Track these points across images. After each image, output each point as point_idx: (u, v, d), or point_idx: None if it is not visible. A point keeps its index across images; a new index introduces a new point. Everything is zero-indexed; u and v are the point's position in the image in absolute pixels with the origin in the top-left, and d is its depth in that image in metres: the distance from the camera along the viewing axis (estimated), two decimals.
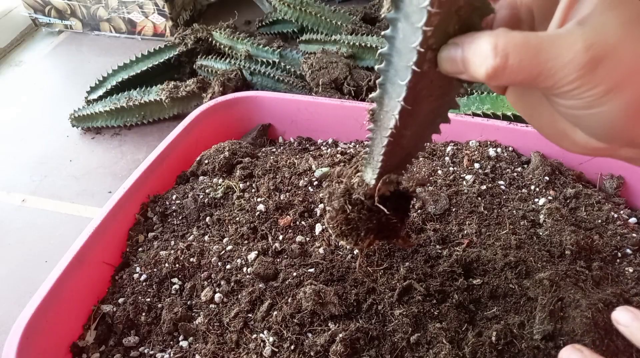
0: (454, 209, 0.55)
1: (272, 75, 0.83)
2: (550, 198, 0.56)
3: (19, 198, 0.75)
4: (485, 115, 0.69)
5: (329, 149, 0.68)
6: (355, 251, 0.51)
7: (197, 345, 0.47)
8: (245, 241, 0.54)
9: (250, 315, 0.48)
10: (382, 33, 0.25)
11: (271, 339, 0.45)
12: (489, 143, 0.63)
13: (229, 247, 0.54)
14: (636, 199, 0.60)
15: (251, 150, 0.67)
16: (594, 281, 0.48)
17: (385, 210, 0.33)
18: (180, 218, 0.59)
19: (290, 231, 0.54)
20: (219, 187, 0.60)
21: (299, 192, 0.58)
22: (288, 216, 0.55)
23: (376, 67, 0.27)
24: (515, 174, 0.60)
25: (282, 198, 0.58)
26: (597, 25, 0.23)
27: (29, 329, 0.46)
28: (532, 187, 0.58)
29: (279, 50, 0.87)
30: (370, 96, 0.29)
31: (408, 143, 0.30)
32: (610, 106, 0.23)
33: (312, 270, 0.50)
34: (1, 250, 0.68)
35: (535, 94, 0.29)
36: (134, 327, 0.50)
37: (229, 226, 0.56)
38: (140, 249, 0.57)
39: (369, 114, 0.30)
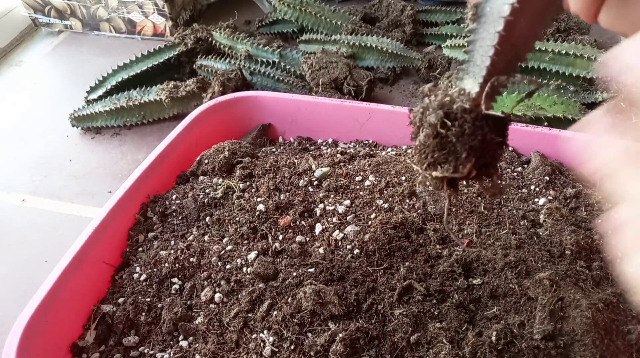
0: (454, 209, 0.55)
1: (272, 75, 0.83)
2: (550, 197, 0.56)
3: (19, 198, 0.75)
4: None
5: (329, 149, 0.68)
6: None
7: (197, 345, 0.47)
8: (245, 241, 0.54)
9: (250, 315, 0.48)
10: None
11: (271, 339, 0.45)
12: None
13: (229, 247, 0.54)
14: None
15: (251, 150, 0.67)
16: (594, 281, 0.48)
17: (499, 113, 0.27)
18: (180, 218, 0.59)
19: (290, 231, 0.54)
20: (219, 187, 0.60)
21: (299, 192, 0.58)
22: (288, 216, 0.55)
23: None
24: (515, 174, 0.60)
25: (282, 197, 0.58)
26: None
27: (29, 329, 0.46)
28: (532, 187, 0.58)
29: (279, 50, 0.87)
30: None
31: (520, 35, 0.27)
32: None
33: (312, 270, 0.50)
34: (1, 250, 0.68)
35: None
36: (134, 326, 0.50)
37: (229, 226, 0.56)
38: (140, 249, 0.57)
39: (471, 12, 0.28)
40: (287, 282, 0.49)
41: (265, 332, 0.46)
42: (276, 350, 0.45)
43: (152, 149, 0.63)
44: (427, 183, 0.30)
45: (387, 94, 0.87)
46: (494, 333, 0.43)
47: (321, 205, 0.56)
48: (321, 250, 0.51)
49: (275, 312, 0.47)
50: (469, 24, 0.28)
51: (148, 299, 0.51)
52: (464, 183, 0.30)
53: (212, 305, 0.49)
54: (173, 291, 0.52)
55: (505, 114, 0.28)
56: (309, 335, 0.45)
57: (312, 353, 0.43)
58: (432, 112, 0.28)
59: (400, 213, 0.54)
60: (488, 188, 0.30)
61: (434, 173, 0.29)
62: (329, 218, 0.55)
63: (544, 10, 0.27)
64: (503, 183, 0.38)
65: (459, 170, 0.28)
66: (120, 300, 0.52)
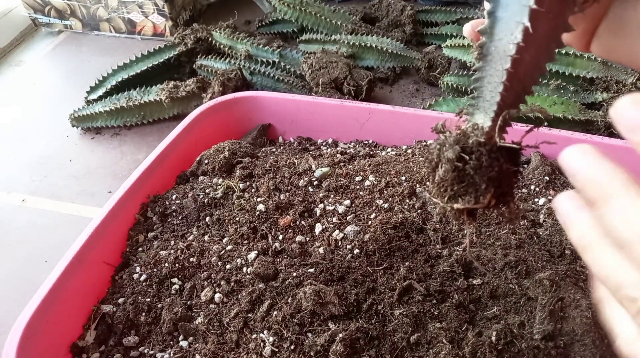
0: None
1: (272, 75, 0.83)
2: (550, 198, 0.56)
3: (19, 198, 0.75)
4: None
5: (329, 149, 0.68)
6: (359, 252, 0.51)
7: (197, 345, 0.47)
8: (245, 241, 0.54)
9: (250, 315, 0.48)
10: None
11: (271, 339, 0.45)
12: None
13: (229, 247, 0.54)
14: None
15: (251, 150, 0.67)
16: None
17: (511, 144, 0.28)
18: (180, 218, 0.59)
19: (290, 231, 0.54)
20: (219, 187, 0.60)
21: (299, 192, 0.58)
22: (288, 216, 0.55)
23: None
24: None
25: (282, 198, 0.58)
26: None
27: (29, 329, 0.46)
28: (532, 187, 0.58)
29: (279, 50, 0.87)
30: (478, 28, 0.28)
31: (525, 72, 0.28)
32: None
33: (312, 270, 0.50)
34: (1, 250, 0.68)
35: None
36: (134, 327, 0.50)
37: (229, 226, 0.56)
38: (140, 249, 0.57)
39: (476, 52, 0.29)
40: (287, 282, 0.49)
41: (265, 332, 0.46)
42: (276, 350, 0.45)
43: (152, 149, 0.63)
44: (448, 215, 0.31)
45: (387, 94, 0.87)
46: (494, 333, 0.43)
47: (321, 205, 0.56)
48: (321, 250, 0.51)
49: (275, 312, 0.47)
50: (475, 63, 0.29)
51: (148, 299, 0.51)
52: (482, 211, 0.31)
53: (212, 305, 0.49)
54: (173, 291, 0.52)
55: (517, 144, 0.30)
56: (309, 335, 0.45)
57: (312, 353, 0.44)
58: (449, 148, 0.29)
59: (400, 213, 0.54)
60: (505, 215, 0.30)
61: (456, 206, 0.29)
62: (329, 218, 0.55)
63: (548, 46, 0.28)
64: (519, 208, 0.39)
65: (480, 201, 0.29)
66: (120, 300, 0.52)
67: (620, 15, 0.30)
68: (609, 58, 0.32)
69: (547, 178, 0.58)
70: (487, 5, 0.28)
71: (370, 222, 0.53)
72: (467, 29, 0.33)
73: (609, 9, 0.30)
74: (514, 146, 0.29)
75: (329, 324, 0.46)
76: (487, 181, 0.28)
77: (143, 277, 0.53)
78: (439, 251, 0.50)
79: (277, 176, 0.61)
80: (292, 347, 0.45)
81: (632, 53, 0.30)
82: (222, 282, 0.51)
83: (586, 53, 0.76)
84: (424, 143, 0.65)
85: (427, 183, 0.30)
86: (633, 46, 0.29)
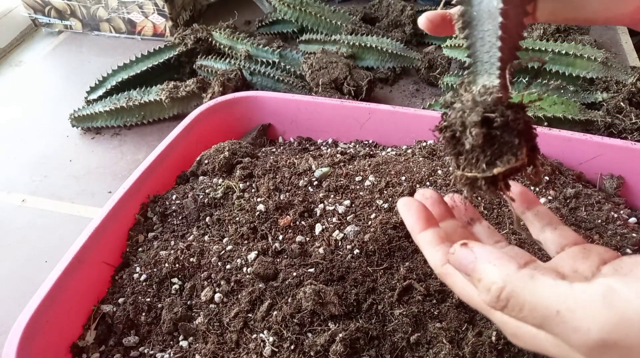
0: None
1: (272, 75, 0.83)
2: (550, 198, 0.56)
3: (19, 198, 0.75)
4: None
5: (329, 149, 0.68)
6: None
7: (197, 345, 0.47)
8: (245, 241, 0.54)
9: (250, 315, 0.48)
10: None
11: (271, 339, 0.45)
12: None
13: (229, 247, 0.54)
14: (636, 199, 0.60)
15: (251, 150, 0.67)
16: None
17: (516, 102, 0.28)
18: (180, 218, 0.59)
19: (290, 231, 0.54)
20: (219, 187, 0.60)
21: (299, 192, 0.58)
22: (288, 216, 0.55)
23: None
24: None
25: (282, 198, 0.58)
26: (628, 306, 0.21)
27: (29, 329, 0.46)
28: (532, 187, 0.58)
29: (279, 50, 0.87)
30: (431, 16, 0.29)
31: (513, 26, 0.28)
32: None
33: (312, 270, 0.50)
34: (1, 250, 0.68)
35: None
36: (134, 327, 0.50)
37: (229, 226, 0.56)
38: (140, 249, 0.57)
39: (459, 22, 0.29)
40: (287, 282, 0.49)
41: (265, 332, 0.46)
42: (276, 350, 0.45)
43: (152, 149, 0.63)
44: (484, 188, 0.29)
45: (387, 94, 0.87)
46: (494, 333, 0.43)
47: (321, 205, 0.56)
48: (321, 250, 0.51)
49: (275, 312, 0.47)
50: (459, 34, 0.29)
51: (148, 299, 0.51)
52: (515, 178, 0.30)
53: (212, 305, 0.49)
54: (173, 292, 0.52)
55: (519, 103, 0.29)
56: (309, 335, 0.45)
57: (312, 353, 0.44)
58: (471, 111, 0.27)
59: None
60: (532, 178, 0.29)
61: (496, 170, 0.27)
62: (329, 218, 0.55)
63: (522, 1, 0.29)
64: (543, 164, 0.38)
65: (519, 157, 0.27)
66: (120, 300, 0.52)
67: None
68: (555, 21, 0.33)
69: (547, 178, 0.58)
70: None
71: (370, 222, 0.53)
72: (422, 20, 0.34)
73: None
74: (519, 102, 0.28)
75: (329, 324, 0.46)
76: (518, 136, 0.27)
77: (143, 277, 0.53)
78: None
79: (277, 176, 0.61)
80: (292, 347, 0.45)
81: (574, 9, 0.31)
82: (222, 282, 0.51)
83: (586, 53, 0.76)
84: (424, 143, 0.65)
85: (452, 164, 0.29)
86: (571, 3, 0.31)
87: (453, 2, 0.29)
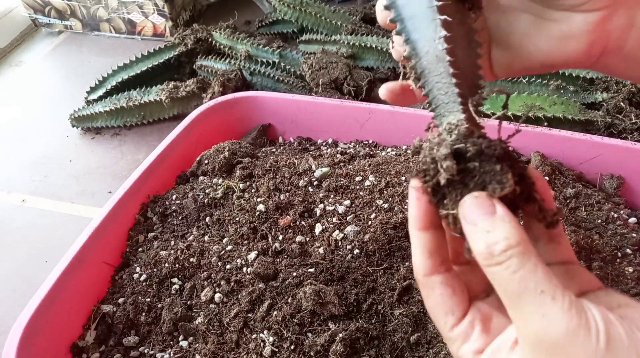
0: None
1: (272, 75, 0.83)
2: None
3: (19, 198, 0.75)
4: (485, 115, 0.69)
5: (329, 149, 0.68)
6: (355, 252, 0.51)
7: (197, 345, 0.47)
8: (245, 241, 0.54)
9: (250, 315, 0.48)
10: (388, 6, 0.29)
11: (271, 339, 0.45)
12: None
13: (229, 247, 0.54)
14: (636, 199, 0.60)
15: (251, 150, 0.67)
16: None
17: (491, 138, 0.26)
18: (180, 218, 0.59)
19: (290, 231, 0.54)
20: (219, 187, 0.60)
21: (299, 192, 0.58)
22: (288, 216, 0.55)
23: (393, 33, 0.30)
24: None
25: (282, 198, 0.58)
26: None
27: (29, 329, 0.46)
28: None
29: (279, 50, 0.87)
30: (405, 56, 0.29)
31: (465, 66, 0.28)
32: None
33: (312, 270, 0.50)
34: (1, 250, 0.68)
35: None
36: (134, 327, 0.50)
37: (229, 226, 0.56)
38: (140, 249, 0.57)
39: (411, 75, 0.29)
40: (287, 282, 0.49)
41: (265, 332, 0.46)
42: (276, 350, 0.45)
43: (152, 149, 0.63)
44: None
45: None
46: None
47: (321, 205, 0.56)
48: (321, 250, 0.51)
49: (275, 312, 0.47)
50: (415, 86, 0.29)
51: (148, 299, 0.51)
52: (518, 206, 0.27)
53: (212, 305, 0.49)
54: (173, 292, 0.52)
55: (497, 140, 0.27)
56: (309, 335, 0.45)
57: (312, 353, 0.44)
58: (439, 146, 0.26)
59: (400, 213, 0.54)
60: (543, 214, 0.26)
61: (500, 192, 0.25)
62: (329, 218, 0.55)
63: (469, 45, 0.29)
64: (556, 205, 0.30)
65: (505, 184, 0.24)
66: (120, 300, 0.52)
67: (499, 30, 0.32)
68: (513, 73, 0.33)
69: (547, 178, 0.58)
70: (397, 39, 0.30)
71: (370, 222, 0.53)
72: (382, 91, 0.35)
73: (490, 32, 0.33)
74: (494, 140, 0.26)
75: (329, 324, 0.46)
76: (498, 162, 0.25)
77: (143, 277, 0.53)
78: None
79: (277, 176, 0.61)
80: (292, 347, 0.45)
81: (527, 56, 0.32)
82: (222, 282, 0.51)
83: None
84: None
85: (440, 211, 0.27)
86: (523, 53, 0.32)
87: (404, 55, 0.29)
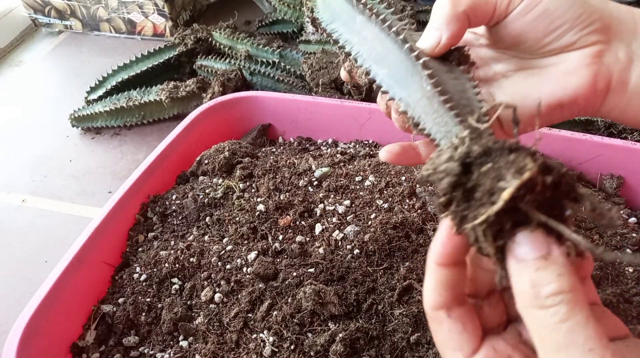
0: None
1: (272, 75, 0.83)
2: None
3: (19, 198, 0.75)
4: None
5: (329, 149, 0.68)
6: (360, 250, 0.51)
7: (197, 345, 0.47)
8: (245, 241, 0.54)
9: (250, 315, 0.48)
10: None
11: (271, 339, 0.45)
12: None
13: (229, 247, 0.54)
14: (636, 199, 0.60)
15: (251, 150, 0.67)
16: (594, 281, 0.48)
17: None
18: (180, 218, 0.59)
19: (290, 231, 0.54)
20: (219, 187, 0.60)
21: (299, 192, 0.58)
22: (288, 216, 0.55)
23: (380, 92, 0.31)
24: None
25: (282, 198, 0.58)
26: None
27: (29, 329, 0.46)
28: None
29: (279, 50, 0.87)
30: (401, 112, 0.30)
31: (461, 97, 0.28)
32: None
33: (312, 270, 0.50)
34: (1, 250, 0.68)
35: None
36: (134, 327, 0.50)
37: (229, 226, 0.56)
38: (140, 249, 0.57)
39: (413, 126, 0.30)
40: (287, 282, 0.49)
41: (265, 332, 0.46)
42: (276, 350, 0.45)
43: (152, 149, 0.63)
44: (505, 231, 0.22)
45: None
46: None
47: (321, 205, 0.56)
48: (321, 250, 0.51)
49: (275, 312, 0.47)
50: (418, 133, 0.30)
51: (148, 299, 0.51)
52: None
53: (212, 305, 0.49)
54: (173, 292, 0.52)
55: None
56: (309, 335, 0.45)
57: (312, 353, 0.44)
58: (440, 156, 0.23)
59: (400, 213, 0.54)
60: (594, 214, 0.22)
61: (505, 194, 0.20)
62: (329, 218, 0.55)
63: (460, 78, 0.30)
64: (606, 207, 0.24)
65: (524, 169, 0.20)
66: (120, 300, 0.52)
67: (500, 91, 0.33)
68: (523, 131, 0.34)
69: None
70: (394, 105, 0.32)
71: (370, 222, 0.53)
72: (383, 154, 0.36)
73: (494, 98, 0.33)
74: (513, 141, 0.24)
75: (329, 324, 0.46)
76: (510, 152, 0.21)
77: (143, 277, 0.53)
78: None
79: (277, 176, 0.61)
80: (292, 347, 0.45)
81: (533, 108, 0.32)
82: (222, 282, 0.51)
83: None
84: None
85: (461, 225, 0.22)
86: (528, 102, 0.32)
87: (400, 110, 0.30)
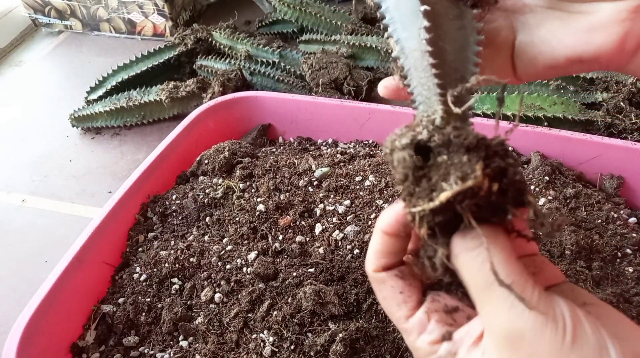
0: None
1: (272, 75, 0.83)
2: (550, 198, 0.56)
3: (19, 198, 0.75)
4: (485, 115, 0.69)
5: (329, 149, 0.68)
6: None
7: (197, 345, 0.47)
8: (245, 241, 0.54)
9: (250, 315, 0.48)
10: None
11: (271, 339, 0.45)
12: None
13: (229, 247, 0.54)
14: (636, 199, 0.60)
15: (251, 150, 0.67)
16: (594, 281, 0.48)
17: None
18: (180, 218, 0.59)
19: (290, 231, 0.54)
20: (219, 187, 0.60)
21: (299, 192, 0.58)
22: (288, 216, 0.55)
23: (386, 34, 0.29)
24: None
25: (282, 198, 0.58)
26: None
27: (29, 329, 0.46)
28: (532, 187, 0.58)
29: (279, 50, 0.87)
30: (393, 57, 0.28)
31: (454, 59, 0.26)
32: None
33: (312, 270, 0.50)
34: (1, 250, 0.68)
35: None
36: (134, 327, 0.50)
37: (229, 226, 0.56)
38: (140, 249, 0.57)
39: (399, 73, 0.28)
40: (287, 282, 0.49)
41: (265, 332, 0.46)
42: (276, 350, 0.45)
43: (152, 149, 0.63)
44: (436, 225, 0.23)
45: None
46: None
47: (321, 205, 0.56)
48: (321, 250, 0.51)
49: (275, 312, 0.47)
50: (402, 84, 0.28)
51: (148, 299, 0.51)
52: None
53: (212, 305, 0.49)
54: (173, 292, 0.52)
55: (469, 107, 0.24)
56: (309, 335, 0.45)
57: (312, 353, 0.44)
58: (402, 137, 0.23)
59: None
60: (535, 223, 0.23)
61: (442, 195, 0.21)
62: (329, 218, 0.55)
63: (465, 37, 0.28)
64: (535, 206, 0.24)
65: (468, 176, 0.21)
66: (120, 300, 0.52)
67: (524, 30, 0.31)
68: (537, 74, 0.32)
69: (547, 178, 0.58)
70: (391, 43, 0.29)
71: (370, 222, 0.53)
72: (380, 89, 0.34)
73: (515, 32, 0.31)
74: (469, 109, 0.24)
75: (329, 324, 0.46)
76: (467, 151, 0.21)
77: (143, 277, 0.53)
78: None
79: (277, 176, 0.61)
80: (292, 347, 0.45)
81: (550, 51, 0.30)
82: (222, 282, 0.51)
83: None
84: None
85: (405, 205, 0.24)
86: (547, 49, 0.30)
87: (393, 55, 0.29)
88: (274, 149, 0.70)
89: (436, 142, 0.22)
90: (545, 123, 0.69)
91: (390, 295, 0.26)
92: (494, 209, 0.22)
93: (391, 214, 0.26)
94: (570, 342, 0.20)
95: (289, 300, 0.47)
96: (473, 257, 0.22)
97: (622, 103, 0.71)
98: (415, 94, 0.27)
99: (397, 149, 0.23)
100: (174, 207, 0.59)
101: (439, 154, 0.22)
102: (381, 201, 0.56)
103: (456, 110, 0.23)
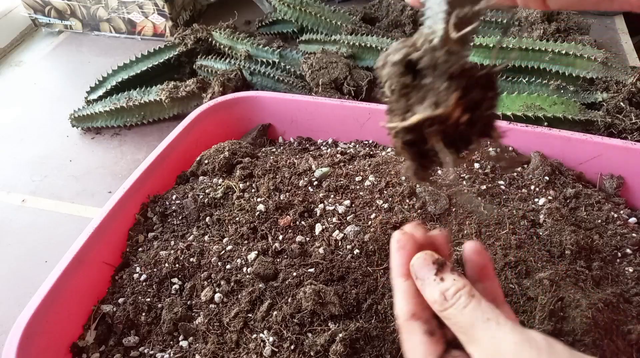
0: (453, 209, 0.55)
1: (272, 75, 0.83)
2: (550, 198, 0.56)
3: (19, 198, 0.75)
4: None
5: (329, 149, 0.68)
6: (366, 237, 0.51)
7: (197, 345, 0.47)
8: (245, 241, 0.54)
9: (250, 315, 0.48)
10: None
11: (271, 339, 0.45)
12: (488, 142, 0.63)
13: (229, 247, 0.54)
14: (636, 199, 0.60)
15: (251, 150, 0.67)
16: (594, 281, 0.48)
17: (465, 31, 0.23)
18: (180, 218, 0.59)
19: (290, 231, 0.54)
20: (219, 187, 0.60)
21: (299, 192, 0.58)
22: (288, 216, 0.55)
23: None
24: (515, 174, 0.60)
25: (282, 198, 0.58)
26: None
27: (29, 329, 0.46)
28: (532, 187, 0.58)
29: (279, 50, 0.87)
30: None
31: None
32: None
33: (312, 270, 0.50)
34: (1, 250, 0.68)
35: None
36: (134, 327, 0.50)
37: (229, 226, 0.56)
38: (140, 249, 0.57)
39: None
40: (287, 282, 0.49)
41: (265, 332, 0.46)
42: (276, 350, 0.45)
43: (152, 149, 0.63)
44: (405, 144, 0.23)
45: None
46: None
47: (321, 205, 0.56)
48: (321, 250, 0.51)
49: (275, 312, 0.47)
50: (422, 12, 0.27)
51: (148, 299, 0.51)
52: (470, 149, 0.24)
53: (212, 305, 0.49)
54: (173, 292, 0.52)
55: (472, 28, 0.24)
56: (309, 335, 0.45)
57: (312, 353, 0.44)
58: (395, 52, 0.23)
59: (400, 213, 0.54)
60: (499, 159, 0.27)
61: (414, 117, 0.22)
62: (329, 218, 0.55)
63: None
64: (512, 154, 0.29)
65: (441, 103, 0.21)
66: (120, 300, 0.52)
67: None
68: (566, 6, 0.32)
69: (547, 178, 0.58)
70: None
71: (370, 222, 0.53)
72: None
73: None
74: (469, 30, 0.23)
75: (329, 324, 0.46)
76: (449, 78, 0.21)
77: (143, 277, 0.53)
78: None
79: (277, 176, 0.61)
80: (292, 347, 0.45)
81: None
82: (222, 282, 0.51)
83: (586, 53, 0.76)
84: None
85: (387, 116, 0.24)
86: None
87: None
88: (274, 149, 0.70)
89: (424, 64, 0.22)
90: (545, 123, 0.69)
91: (416, 346, 0.29)
92: (458, 138, 0.23)
93: (399, 259, 0.30)
94: (548, 355, 0.24)
95: (289, 300, 0.47)
96: (455, 308, 0.27)
97: (622, 103, 0.71)
98: (427, 6, 0.26)
99: (388, 64, 0.24)
100: (174, 207, 0.59)
101: (424, 76, 0.23)
102: (381, 201, 0.56)
103: (453, 34, 0.23)
